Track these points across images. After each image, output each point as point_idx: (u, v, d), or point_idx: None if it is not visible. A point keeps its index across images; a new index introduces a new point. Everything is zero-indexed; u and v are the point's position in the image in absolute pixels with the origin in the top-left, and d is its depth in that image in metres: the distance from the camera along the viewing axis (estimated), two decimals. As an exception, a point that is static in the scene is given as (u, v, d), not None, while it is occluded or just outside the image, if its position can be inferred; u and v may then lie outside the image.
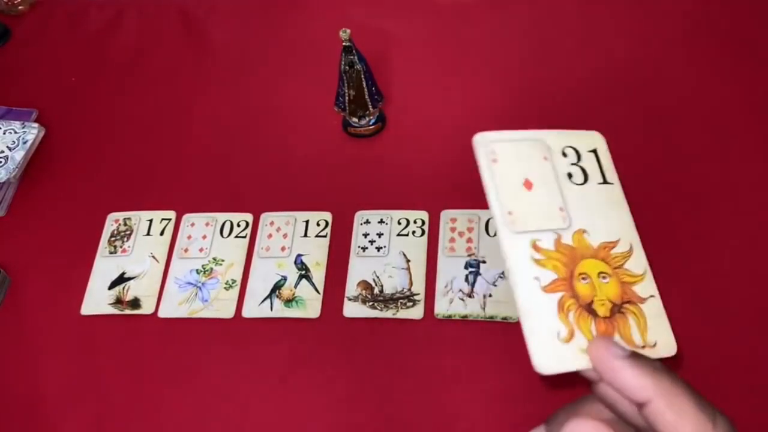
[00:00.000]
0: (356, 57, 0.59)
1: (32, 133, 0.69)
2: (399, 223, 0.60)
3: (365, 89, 0.62)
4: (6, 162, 0.67)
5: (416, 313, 0.55)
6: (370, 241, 0.59)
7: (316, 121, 0.68)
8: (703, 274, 0.54)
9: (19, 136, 0.69)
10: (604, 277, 0.32)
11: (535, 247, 0.32)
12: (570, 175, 0.33)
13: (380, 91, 0.64)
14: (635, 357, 0.28)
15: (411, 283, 0.56)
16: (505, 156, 0.33)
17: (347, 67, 0.60)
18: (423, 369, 0.53)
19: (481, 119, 0.65)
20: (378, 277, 0.57)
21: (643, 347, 0.31)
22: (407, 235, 0.59)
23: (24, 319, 0.61)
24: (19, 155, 0.67)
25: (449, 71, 0.70)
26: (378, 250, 0.59)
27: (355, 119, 0.65)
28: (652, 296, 0.32)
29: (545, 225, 0.32)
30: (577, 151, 0.34)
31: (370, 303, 0.56)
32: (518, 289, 0.31)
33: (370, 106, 0.63)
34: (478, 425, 0.50)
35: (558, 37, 0.71)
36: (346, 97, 0.62)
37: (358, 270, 0.58)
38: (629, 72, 0.67)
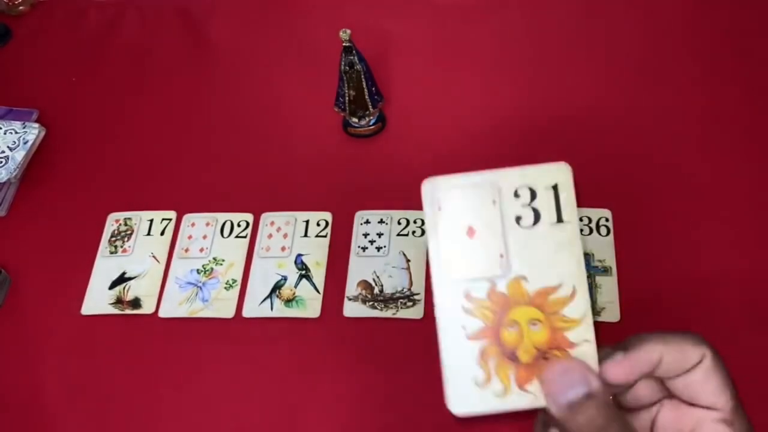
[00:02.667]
0: (356, 57, 0.59)
1: (33, 133, 0.69)
2: (399, 223, 0.60)
3: (365, 89, 0.62)
4: (6, 162, 0.67)
5: (416, 312, 0.55)
6: (370, 241, 0.59)
7: (316, 121, 0.68)
8: (696, 268, 0.54)
9: (20, 137, 0.69)
10: (534, 324, 0.32)
11: (467, 297, 0.32)
12: (519, 219, 0.33)
13: (380, 91, 0.64)
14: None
15: (411, 283, 0.57)
16: (450, 203, 0.33)
17: (347, 68, 0.60)
18: (423, 369, 0.53)
19: (481, 119, 0.66)
20: (378, 277, 0.57)
21: None
22: (407, 235, 0.59)
23: (24, 319, 0.61)
24: (19, 155, 0.67)
25: (449, 71, 0.70)
26: (378, 250, 0.59)
27: (355, 119, 0.65)
28: (586, 341, 0.32)
29: (481, 273, 0.32)
30: (532, 191, 0.33)
31: (370, 303, 0.56)
32: (443, 335, 0.32)
33: (370, 106, 0.64)
34: (478, 425, 0.50)
35: (558, 36, 0.71)
36: (346, 98, 0.62)
37: (358, 270, 0.58)
38: (631, 70, 0.67)
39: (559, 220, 0.32)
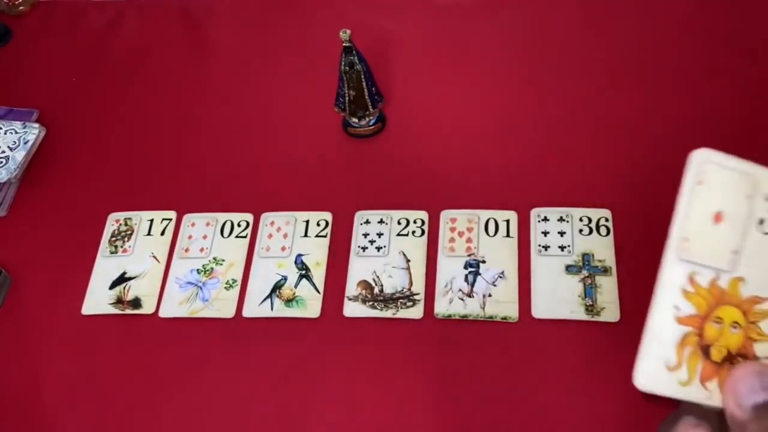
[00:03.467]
0: (356, 57, 0.59)
1: (33, 133, 0.69)
2: (399, 223, 0.60)
3: (365, 89, 0.62)
4: (7, 162, 0.67)
5: (416, 312, 0.55)
6: (370, 241, 0.59)
7: (316, 121, 0.68)
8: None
9: (20, 137, 0.69)
10: (735, 327, 0.33)
11: (691, 280, 0.33)
12: (762, 222, 0.33)
13: (380, 92, 0.64)
14: None
15: (411, 283, 0.57)
16: (712, 181, 0.33)
17: (347, 68, 0.60)
18: (422, 369, 0.53)
19: (482, 119, 0.66)
20: (378, 276, 0.57)
21: None
22: (407, 235, 0.59)
23: (25, 319, 0.61)
24: (20, 155, 0.68)
25: (449, 71, 0.70)
26: (378, 250, 0.59)
27: (355, 119, 0.65)
28: (767, 358, 0.33)
29: (711, 262, 0.33)
30: None
31: (370, 303, 0.56)
32: (656, 310, 0.33)
33: (370, 107, 0.64)
34: (486, 426, 0.50)
35: (559, 35, 0.71)
36: (346, 98, 0.62)
37: (358, 270, 0.58)
38: (631, 69, 0.67)
39: None
